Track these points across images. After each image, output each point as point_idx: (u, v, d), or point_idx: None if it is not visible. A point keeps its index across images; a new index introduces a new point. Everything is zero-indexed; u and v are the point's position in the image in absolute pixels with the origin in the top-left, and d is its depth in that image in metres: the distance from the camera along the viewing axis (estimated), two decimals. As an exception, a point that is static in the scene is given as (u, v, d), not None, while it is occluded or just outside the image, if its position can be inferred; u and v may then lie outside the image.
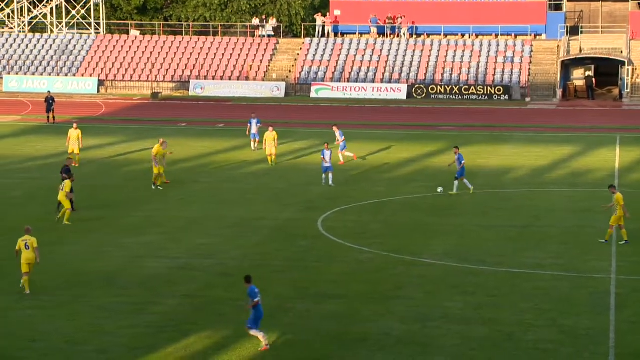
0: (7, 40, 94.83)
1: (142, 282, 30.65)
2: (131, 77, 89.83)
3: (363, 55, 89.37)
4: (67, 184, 38.57)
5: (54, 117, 68.05)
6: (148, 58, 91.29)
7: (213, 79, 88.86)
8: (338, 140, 52.50)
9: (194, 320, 27.04)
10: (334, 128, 53.43)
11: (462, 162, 44.31)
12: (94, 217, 39.47)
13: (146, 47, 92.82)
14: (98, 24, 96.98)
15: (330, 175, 46.19)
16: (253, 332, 25.04)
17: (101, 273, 31.63)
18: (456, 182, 44.24)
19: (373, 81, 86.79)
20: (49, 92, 71.96)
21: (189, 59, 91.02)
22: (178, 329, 26.32)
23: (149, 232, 37.20)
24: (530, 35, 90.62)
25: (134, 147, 58.03)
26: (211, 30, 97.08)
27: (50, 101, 68.18)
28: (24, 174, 48.63)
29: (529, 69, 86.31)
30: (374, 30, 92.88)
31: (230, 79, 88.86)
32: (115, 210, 40.75)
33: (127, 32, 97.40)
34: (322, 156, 46.83)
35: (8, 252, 32.89)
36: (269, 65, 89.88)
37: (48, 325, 26.54)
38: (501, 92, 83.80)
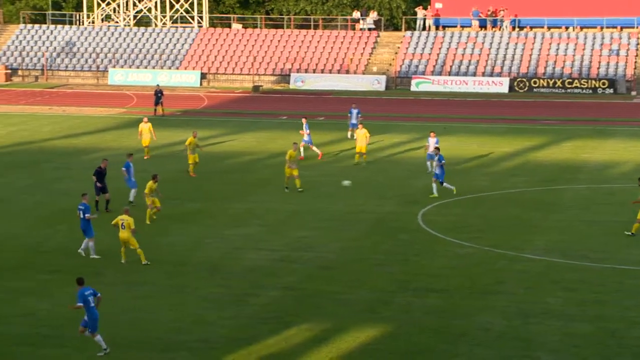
0: (112, 34, 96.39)
1: (243, 274, 30.92)
2: (233, 70, 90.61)
3: (464, 49, 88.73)
4: (149, 185, 38.31)
5: (163, 110, 69.06)
6: (250, 51, 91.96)
7: (314, 72, 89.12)
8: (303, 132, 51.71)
9: (294, 313, 27.19)
10: (303, 120, 52.48)
11: (442, 162, 42.18)
12: (196, 209, 39.92)
13: (248, 40, 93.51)
14: (201, 18, 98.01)
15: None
16: (92, 336, 24.50)
17: (203, 264, 32.00)
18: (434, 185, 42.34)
19: (474, 74, 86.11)
20: (157, 85, 72.99)
21: (289, 52, 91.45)
22: (279, 321, 26.49)
23: (249, 224, 37.49)
24: (637, 27, 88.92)
25: (235, 139, 58.53)
26: (312, 23, 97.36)
27: (159, 94, 69.14)
28: (148, 165, 49.38)
29: (635, 62, 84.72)
30: (475, 23, 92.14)
31: (330, 72, 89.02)
32: (216, 202, 41.15)
33: (229, 26, 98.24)
34: (427, 144, 47.04)
35: (116, 240, 33.45)
36: (369, 59, 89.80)
37: (153, 315, 26.94)
38: (606, 85, 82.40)
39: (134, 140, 57.70)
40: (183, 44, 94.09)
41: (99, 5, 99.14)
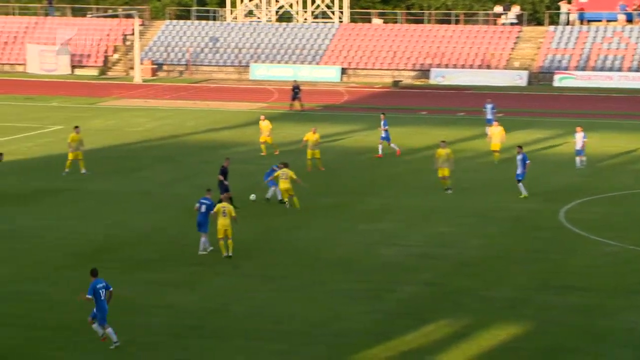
0: (254, 29, 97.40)
1: (378, 269, 30.79)
2: (373, 66, 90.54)
3: (610, 43, 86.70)
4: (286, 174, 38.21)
5: (301, 105, 69.52)
6: (390, 46, 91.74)
7: (454, 67, 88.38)
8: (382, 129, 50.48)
9: (432, 309, 26.93)
10: (382, 116, 51.30)
11: (527, 162, 40.72)
12: (331, 204, 39.95)
13: (388, 35, 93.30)
14: (342, 13, 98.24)
15: (584, 159, 45.66)
16: (94, 326, 24.36)
17: (339, 259, 31.98)
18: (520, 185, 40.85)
19: (620, 70, 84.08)
20: (295, 80, 73.49)
21: (430, 47, 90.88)
22: (416, 317, 26.27)
23: (385, 219, 37.34)
24: None
25: (374, 135, 58.43)
26: (453, 18, 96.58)
27: (296, 90, 69.62)
28: (267, 160, 49.76)
29: None
30: (622, 17, 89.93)
31: (471, 67, 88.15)
32: (351, 197, 41.11)
33: (370, 21, 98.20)
34: (574, 139, 46.58)
35: (252, 235, 33.74)
36: (511, 54, 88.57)
37: (289, 308, 27.04)
38: None
39: (276, 135, 58.17)
40: (324, 39, 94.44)
41: (242, 1, 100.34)
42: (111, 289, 24.51)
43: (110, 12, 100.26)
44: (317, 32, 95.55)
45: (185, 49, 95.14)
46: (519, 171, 40.79)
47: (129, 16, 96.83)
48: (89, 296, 24.16)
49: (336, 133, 57.98)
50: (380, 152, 50.19)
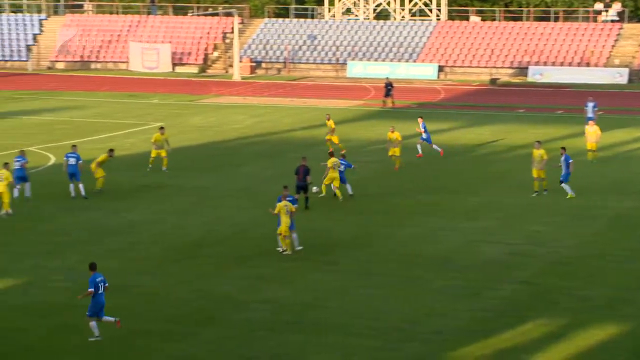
0: (352, 27, 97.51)
1: (477, 266, 30.64)
2: (470, 63, 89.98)
3: None
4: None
5: (393, 102, 69.49)
6: (487, 44, 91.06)
7: (553, 64, 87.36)
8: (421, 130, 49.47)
9: (530, 307, 26.71)
10: (419, 120, 49.85)
11: (569, 161, 39.80)
12: (431, 201, 39.87)
13: (486, 33, 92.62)
14: (439, 11, 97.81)
15: None
16: (89, 320, 24.34)
17: (437, 256, 31.90)
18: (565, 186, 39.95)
19: None
20: (387, 77, 73.46)
21: (528, 44, 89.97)
22: (514, 315, 26.09)
23: (485, 217, 37.12)
24: None
25: (471, 132, 58.11)
26: (552, 15, 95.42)
27: (389, 87, 69.59)
28: (362, 157, 49.85)
29: None
30: None
31: (570, 65, 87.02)
32: (451, 195, 40.96)
33: (467, 19, 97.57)
34: None
35: (351, 230, 33.80)
36: (611, 51, 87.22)
37: (386, 305, 27.06)
38: None
39: (369, 131, 58.23)
40: (421, 37, 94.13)
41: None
42: (107, 284, 24.72)
43: (210, 11, 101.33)
44: (414, 30, 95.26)
45: (283, 46, 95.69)
46: (563, 172, 40.11)
47: (228, 14, 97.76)
48: (91, 289, 24.32)
49: (432, 131, 57.74)
50: (420, 151, 49.27)
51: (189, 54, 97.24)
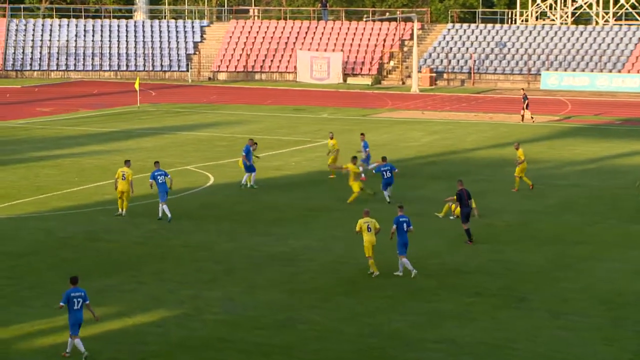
0: (547, 33, 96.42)
1: (690, 308, 29.72)
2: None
3: None
4: None
5: (531, 116, 69.19)
6: None
7: None
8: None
9: None
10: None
11: None
12: (624, 232, 38.96)
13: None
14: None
15: None
16: (76, 342, 25.31)
17: (643, 294, 31.12)
18: None
19: None
20: (522, 88, 73.28)
21: None
22: None
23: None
24: None
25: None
26: None
27: (525, 98, 69.52)
28: (561, 180, 49.11)
29: None
30: None
31: None
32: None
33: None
34: None
35: (544, 262, 33.27)
36: None
37: (584, 350, 26.49)
38: None
39: (568, 151, 57.37)
40: (627, 44, 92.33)
41: (533, 1, 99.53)
42: (88, 301, 25.65)
43: (387, 16, 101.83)
44: (619, 36, 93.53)
45: (468, 55, 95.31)
46: None
47: (407, 19, 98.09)
48: (62, 304, 25.40)
49: (634, 153, 56.44)
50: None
51: (362, 63, 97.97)
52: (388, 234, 33.77)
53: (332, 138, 51.20)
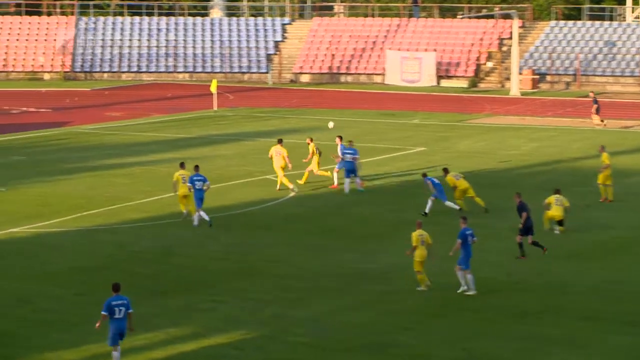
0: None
1: None
2: None
3: None
4: None
5: (601, 120, 68.70)
6: None
7: None
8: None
9: None
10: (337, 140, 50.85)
11: None
12: None
13: None
14: None
15: None
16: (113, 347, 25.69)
17: None
18: None
19: None
20: (591, 92, 73.26)
21: None
22: None
23: None
24: None
25: None
26: None
27: (595, 102, 68.86)
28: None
29: None
30: None
31: None
32: None
33: None
34: None
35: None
36: None
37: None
38: None
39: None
40: None
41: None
42: (131, 310, 25.82)
43: (484, 12, 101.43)
44: None
45: (573, 55, 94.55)
46: None
47: (506, 17, 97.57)
48: (104, 313, 25.68)
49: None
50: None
51: (457, 64, 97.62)
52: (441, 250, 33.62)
53: (310, 142, 50.90)
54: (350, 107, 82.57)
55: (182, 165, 43.27)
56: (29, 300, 32.32)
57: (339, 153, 49.71)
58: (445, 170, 45.17)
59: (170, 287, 33.70)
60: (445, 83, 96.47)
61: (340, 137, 51.24)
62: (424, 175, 45.01)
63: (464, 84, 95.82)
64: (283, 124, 73.14)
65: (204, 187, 41.63)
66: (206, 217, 41.45)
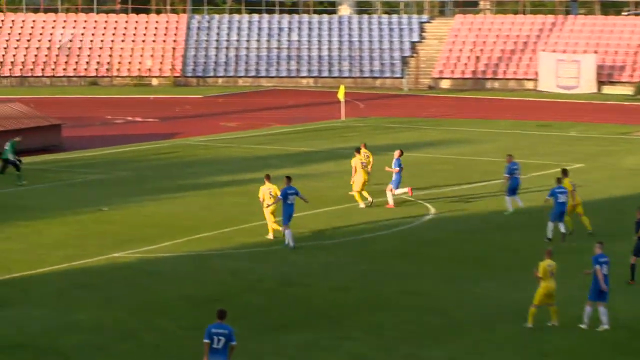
0: None
1: None
2: None
3: None
4: None
5: None
6: None
7: None
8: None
9: None
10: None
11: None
12: None
13: None
14: None
15: None
16: None
17: None
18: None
19: None
20: None
21: None
22: None
23: None
24: None
25: None
26: None
27: None
28: None
29: None
30: None
31: None
32: None
33: None
34: None
35: None
36: None
37: None
38: None
39: None
40: None
41: None
42: (234, 343, 26.01)
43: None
44: None
45: None
46: None
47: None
48: (206, 340, 26.08)
49: None
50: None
51: (622, 68, 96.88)
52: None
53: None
54: (497, 118, 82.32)
55: (268, 178, 43.84)
56: (134, 334, 32.79)
57: (505, 173, 49.68)
58: (565, 172, 45.21)
59: (290, 322, 33.90)
60: (607, 90, 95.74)
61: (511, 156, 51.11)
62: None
63: (629, 90, 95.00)
64: (420, 137, 73.22)
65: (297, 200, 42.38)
66: (291, 241, 42.17)
